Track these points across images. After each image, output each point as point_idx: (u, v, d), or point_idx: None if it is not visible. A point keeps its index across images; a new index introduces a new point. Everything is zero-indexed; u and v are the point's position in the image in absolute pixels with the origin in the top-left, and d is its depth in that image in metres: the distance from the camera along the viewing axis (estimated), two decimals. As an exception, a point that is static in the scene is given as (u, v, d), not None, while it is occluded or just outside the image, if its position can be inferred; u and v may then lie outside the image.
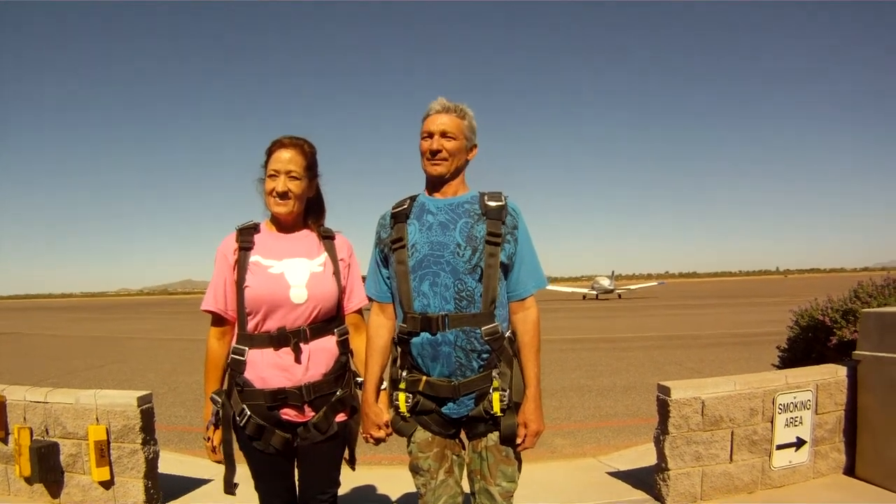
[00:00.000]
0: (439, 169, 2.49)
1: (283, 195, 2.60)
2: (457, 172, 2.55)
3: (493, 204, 2.47)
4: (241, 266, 2.58)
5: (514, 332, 2.51)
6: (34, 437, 4.04)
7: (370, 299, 2.71)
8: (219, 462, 2.62)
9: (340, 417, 2.66)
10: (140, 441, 3.98)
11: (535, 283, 2.53)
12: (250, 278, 2.55)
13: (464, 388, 2.40)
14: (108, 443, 3.95)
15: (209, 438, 2.64)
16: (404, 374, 2.49)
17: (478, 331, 2.36)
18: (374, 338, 2.59)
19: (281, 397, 2.52)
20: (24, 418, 4.08)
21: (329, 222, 2.84)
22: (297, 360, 2.53)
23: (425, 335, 2.38)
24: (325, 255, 2.69)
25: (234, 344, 2.60)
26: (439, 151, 2.47)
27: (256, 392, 2.53)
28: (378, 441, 2.59)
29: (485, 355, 2.40)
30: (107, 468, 3.93)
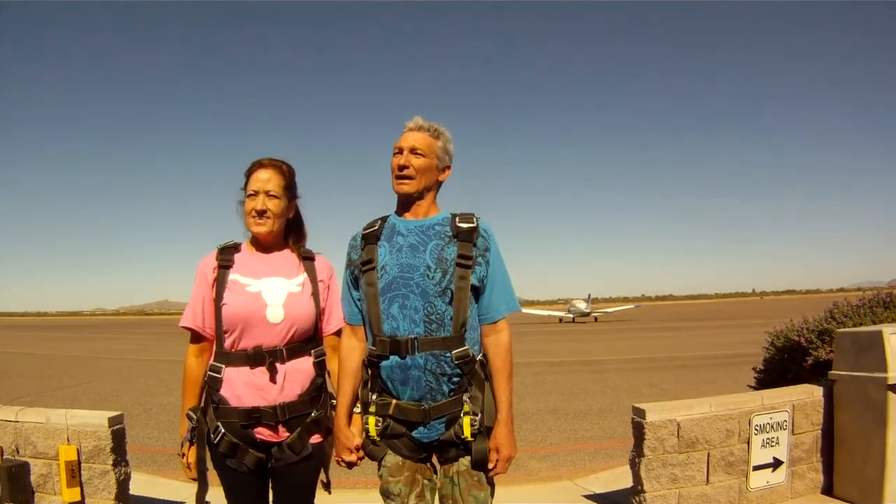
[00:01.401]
0: (406, 188, 2.48)
1: (262, 213, 2.60)
2: (426, 192, 2.53)
3: (464, 226, 2.45)
4: (219, 284, 2.59)
5: (485, 356, 2.48)
6: (4, 457, 3.96)
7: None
8: (193, 479, 2.60)
9: (315, 439, 2.64)
10: (111, 462, 3.90)
11: (507, 307, 2.51)
12: (228, 296, 2.56)
13: (434, 413, 2.37)
14: (79, 463, 3.87)
15: (184, 455, 2.62)
16: (374, 397, 2.46)
17: (448, 354, 2.33)
18: (346, 360, 2.57)
19: (255, 416, 2.51)
20: (-6, 437, 3.99)
21: (313, 244, 2.86)
22: (273, 380, 2.52)
23: (395, 358, 2.35)
24: (303, 276, 2.70)
25: (211, 361, 2.59)
26: (406, 167, 2.45)
27: (231, 410, 2.52)
28: (350, 465, 2.55)
29: (455, 379, 2.37)
30: (77, 489, 3.85)
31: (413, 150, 2.46)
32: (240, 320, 2.52)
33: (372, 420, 2.43)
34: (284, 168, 2.69)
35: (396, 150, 2.50)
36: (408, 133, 2.51)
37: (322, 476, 2.76)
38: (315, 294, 2.68)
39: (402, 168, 2.45)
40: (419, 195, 2.50)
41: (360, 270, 2.47)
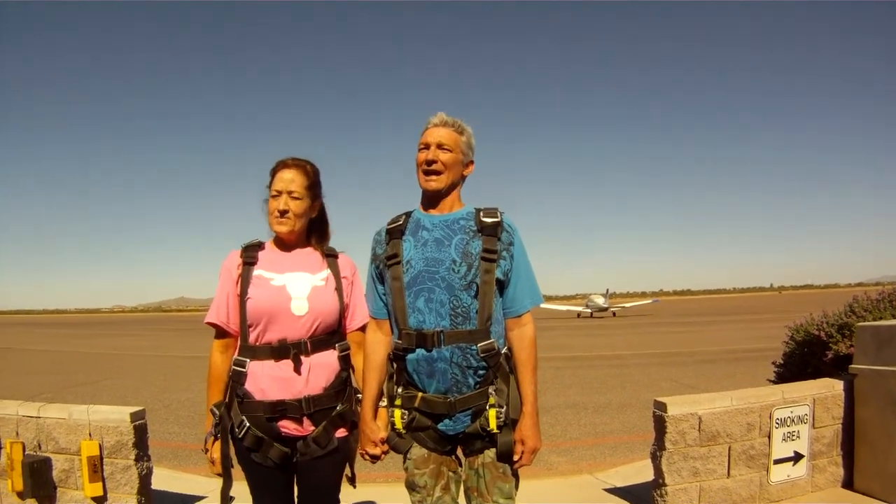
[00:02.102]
0: (434, 184, 2.49)
1: (284, 213, 2.63)
2: (452, 187, 2.54)
3: (488, 220, 2.46)
4: (244, 280, 2.62)
5: (510, 349, 2.49)
6: (27, 452, 3.99)
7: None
8: (218, 475, 2.62)
9: (340, 433, 2.65)
10: (133, 457, 3.93)
11: (531, 300, 2.52)
12: (252, 290, 2.58)
13: (460, 405, 2.38)
14: (101, 458, 3.90)
15: (208, 450, 2.64)
16: (400, 390, 2.47)
17: (474, 347, 2.34)
18: (371, 354, 2.58)
19: (280, 409, 2.52)
20: (17, 433, 4.03)
21: (337, 243, 2.88)
22: (297, 372, 2.54)
23: (421, 351, 2.36)
24: (327, 271, 2.72)
25: (236, 356, 2.61)
26: (434, 162, 2.46)
27: (256, 403, 2.53)
28: (374, 458, 2.56)
29: (481, 372, 2.38)
30: (100, 484, 3.89)
31: (440, 146, 2.47)
32: (265, 313, 2.54)
33: (398, 413, 2.44)
34: (308, 168, 2.72)
35: (422, 146, 2.51)
36: (433, 129, 2.52)
37: (347, 471, 2.77)
38: (339, 289, 2.70)
39: (430, 163, 2.47)
40: (446, 191, 2.52)
41: (386, 265, 2.48)
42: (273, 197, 2.66)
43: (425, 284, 2.38)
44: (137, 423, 3.98)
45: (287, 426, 2.56)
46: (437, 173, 2.48)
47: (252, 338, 2.57)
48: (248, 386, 2.55)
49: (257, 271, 2.63)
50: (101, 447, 3.91)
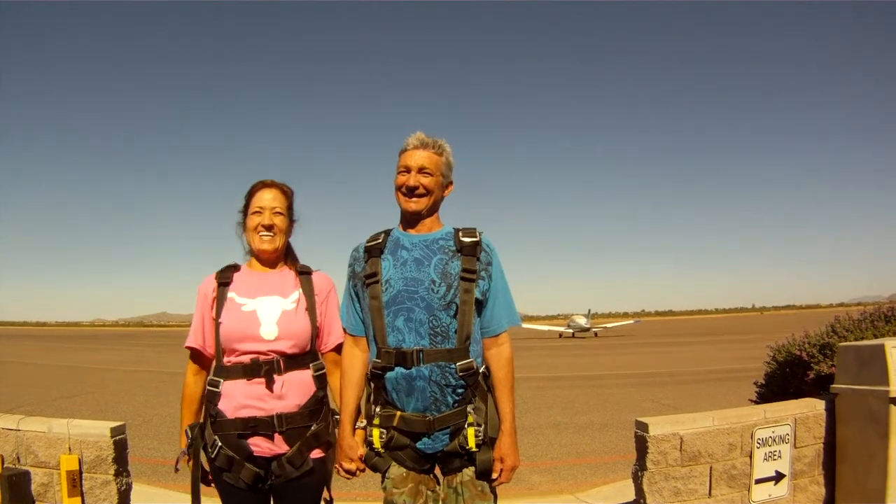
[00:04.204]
0: (415, 206, 2.51)
1: (269, 228, 2.66)
2: (433, 209, 2.57)
3: (467, 240, 2.49)
4: (218, 302, 2.65)
5: (487, 368, 2.51)
6: (5, 465, 3.94)
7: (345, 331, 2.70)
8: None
9: (316, 453, 2.63)
10: (113, 472, 3.89)
11: (508, 320, 2.54)
12: (224, 315, 2.60)
13: (438, 424, 2.39)
14: (81, 473, 3.86)
15: (178, 470, 2.66)
16: (378, 409, 2.47)
17: (452, 366, 2.36)
18: (349, 369, 2.59)
19: (252, 426, 2.51)
20: (-5, 446, 3.99)
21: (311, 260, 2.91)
22: (270, 389, 2.53)
23: (400, 370, 2.37)
24: (298, 293, 2.72)
25: (210, 376, 2.63)
26: (416, 188, 2.49)
27: (227, 422, 2.53)
28: (350, 473, 2.55)
29: (460, 390, 2.39)
30: (78, 499, 3.85)
31: (421, 170, 2.49)
32: (235, 339, 2.55)
33: (376, 432, 2.44)
34: (286, 189, 2.78)
35: (402, 169, 2.53)
36: (413, 151, 2.53)
37: (325, 493, 2.74)
38: (311, 309, 2.71)
39: (412, 189, 2.49)
40: (427, 212, 2.54)
41: (364, 283, 2.50)
42: (255, 213, 2.68)
43: (404, 304, 2.39)
44: (117, 437, 3.94)
45: (259, 444, 2.54)
46: (420, 196, 2.50)
47: (225, 359, 2.58)
48: (221, 405, 2.55)
49: (230, 293, 2.65)
50: (80, 461, 3.86)
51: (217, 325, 2.60)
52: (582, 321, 59.59)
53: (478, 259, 2.46)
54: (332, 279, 2.88)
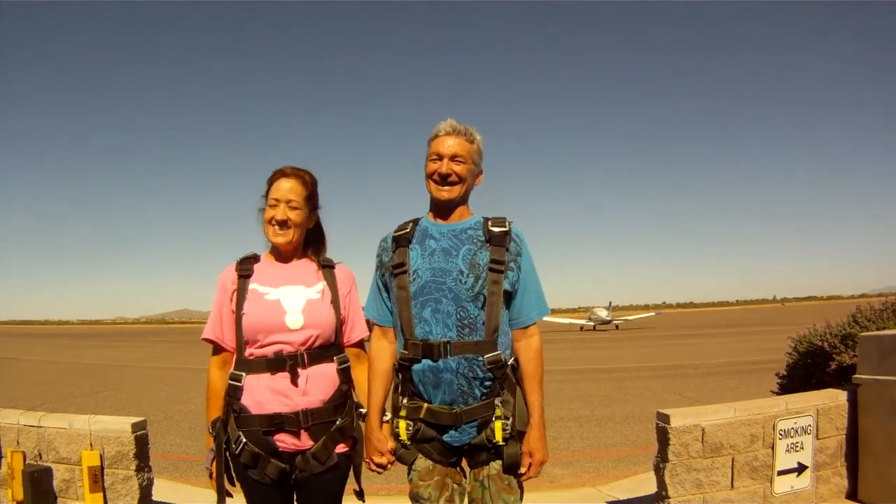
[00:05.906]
0: (447, 195, 2.46)
1: (283, 224, 2.60)
2: (464, 198, 2.53)
3: (496, 230, 2.43)
4: (239, 294, 2.58)
5: (516, 360, 2.46)
6: (27, 462, 3.98)
7: (370, 323, 2.67)
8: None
9: (341, 448, 2.59)
10: (134, 468, 3.91)
11: (538, 311, 2.49)
12: (247, 306, 2.54)
13: (466, 416, 2.36)
14: (102, 469, 3.89)
15: (212, 473, 2.59)
16: (405, 401, 2.44)
17: (480, 358, 2.32)
18: (377, 361, 2.54)
19: (277, 422, 2.46)
20: (18, 442, 4.02)
21: (335, 254, 2.84)
22: (295, 384, 2.48)
23: (427, 362, 2.34)
24: (323, 284, 2.67)
25: (232, 370, 2.56)
26: (449, 175, 2.44)
27: (252, 418, 2.48)
28: (381, 468, 2.52)
29: (487, 383, 2.36)
30: (100, 494, 3.87)
31: (454, 158, 2.44)
32: (260, 329, 2.50)
33: (403, 424, 2.41)
34: (307, 178, 2.68)
35: (434, 157, 2.47)
36: (445, 137, 2.48)
37: (355, 485, 2.70)
38: (335, 302, 2.65)
39: (444, 177, 2.44)
40: (458, 201, 2.50)
41: (392, 273, 2.46)
42: (271, 206, 2.62)
43: (432, 295, 2.36)
44: (138, 433, 3.96)
45: (284, 440, 2.50)
46: (453, 184, 2.46)
47: (248, 352, 2.53)
48: (245, 400, 2.49)
49: (252, 285, 2.59)
50: (101, 457, 3.89)
51: (239, 317, 2.54)
52: (603, 314, 59.17)
53: (507, 249, 2.40)
54: (354, 273, 2.83)
